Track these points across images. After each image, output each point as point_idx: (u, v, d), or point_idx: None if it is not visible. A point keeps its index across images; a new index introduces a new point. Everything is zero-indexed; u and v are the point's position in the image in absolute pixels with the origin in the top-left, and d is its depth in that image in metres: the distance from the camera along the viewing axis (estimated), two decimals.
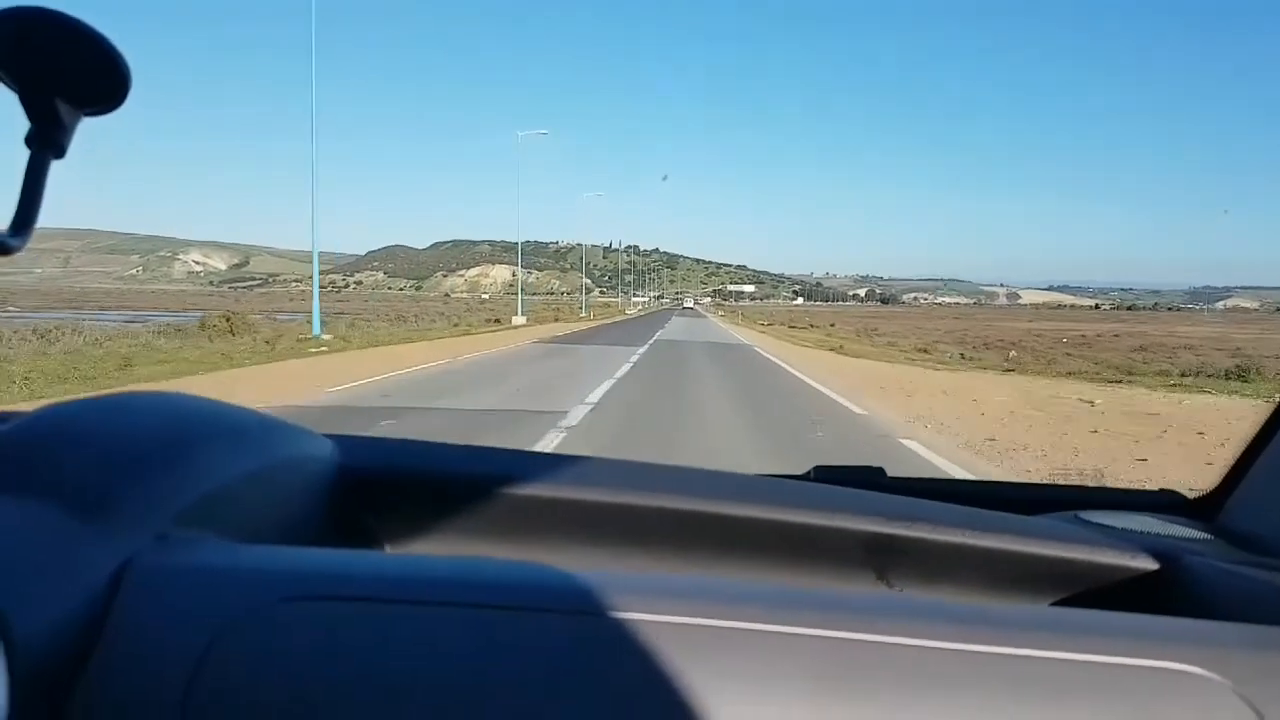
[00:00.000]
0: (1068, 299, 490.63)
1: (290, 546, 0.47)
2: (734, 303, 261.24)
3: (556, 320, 46.83)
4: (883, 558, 0.62)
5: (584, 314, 60.96)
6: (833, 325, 45.93)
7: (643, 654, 0.37)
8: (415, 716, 0.36)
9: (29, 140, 0.44)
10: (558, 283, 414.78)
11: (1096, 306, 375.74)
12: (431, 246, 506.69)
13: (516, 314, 46.08)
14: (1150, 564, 0.60)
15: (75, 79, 0.44)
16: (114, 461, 0.45)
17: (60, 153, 0.45)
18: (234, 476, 0.51)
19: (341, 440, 0.68)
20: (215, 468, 0.50)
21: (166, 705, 0.36)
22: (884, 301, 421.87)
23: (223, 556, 0.43)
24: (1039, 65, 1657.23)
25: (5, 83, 0.43)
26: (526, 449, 0.65)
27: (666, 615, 0.39)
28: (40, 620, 0.35)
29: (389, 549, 0.65)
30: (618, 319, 53.22)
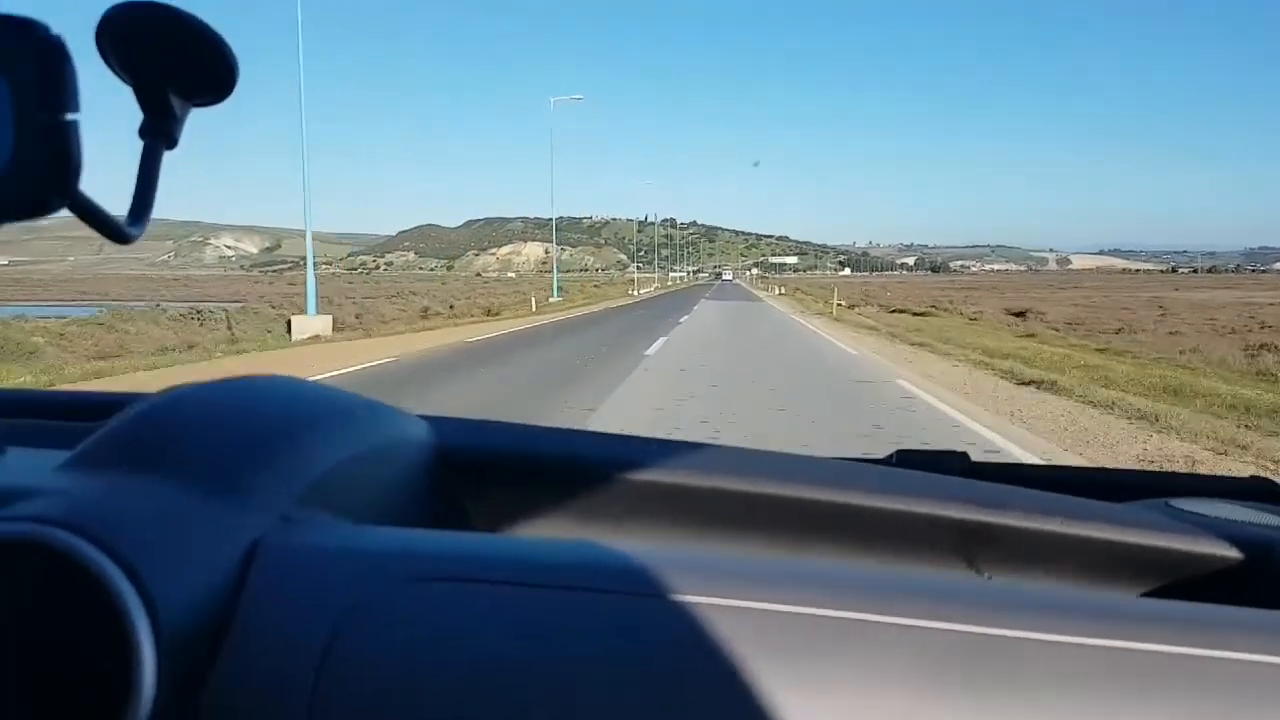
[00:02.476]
0: (1120, 262, 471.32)
1: (410, 529, 0.49)
2: (776, 274, 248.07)
3: (595, 301, 39.92)
4: (972, 545, 0.62)
5: (634, 292, 59.21)
6: (931, 309, 33.06)
7: (752, 642, 0.38)
8: (550, 700, 0.37)
9: (142, 132, 0.46)
10: (592, 259, 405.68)
11: (1173, 269, 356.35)
12: (464, 225, 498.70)
13: (552, 293, 37.94)
14: (1243, 554, 0.60)
15: (185, 72, 0.46)
16: (239, 441, 0.48)
17: (172, 143, 0.47)
18: (345, 458, 0.53)
19: (437, 422, 0.70)
20: (329, 449, 0.53)
21: (302, 681, 0.37)
22: (934, 270, 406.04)
23: (348, 537, 0.45)
24: (1087, 20, 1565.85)
25: (119, 76, 0.45)
26: (618, 434, 0.69)
27: (769, 603, 0.39)
28: (182, 596, 0.37)
29: (484, 529, 0.67)
30: (622, 302, 41.71)
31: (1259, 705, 0.35)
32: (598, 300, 41.93)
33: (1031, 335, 18.17)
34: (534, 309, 28.98)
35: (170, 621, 0.36)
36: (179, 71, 0.46)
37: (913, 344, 15.27)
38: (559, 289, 41.14)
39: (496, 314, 27.29)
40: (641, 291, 61.23)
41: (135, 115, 0.46)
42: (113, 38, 0.44)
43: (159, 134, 0.46)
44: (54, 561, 0.35)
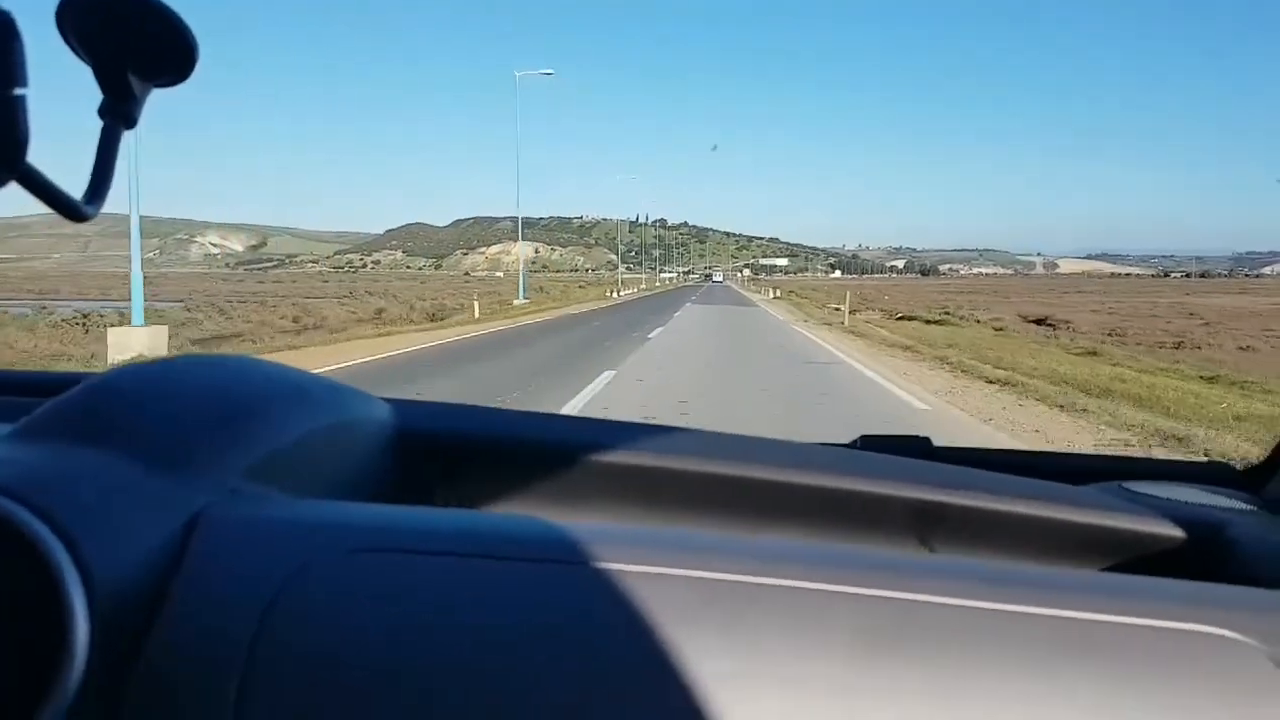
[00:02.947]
0: (1107, 267, 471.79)
1: (353, 502, 0.50)
2: (766, 276, 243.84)
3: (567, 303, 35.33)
4: (926, 525, 0.62)
5: (615, 294, 53.88)
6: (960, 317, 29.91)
7: (689, 609, 0.38)
8: (483, 667, 0.37)
9: (101, 111, 0.46)
10: (582, 259, 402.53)
11: (1166, 275, 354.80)
12: (452, 224, 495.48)
13: (519, 295, 33.30)
14: (1194, 534, 0.61)
15: (146, 53, 0.46)
16: (189, 417, 0.48)
17: (131, 123, 0.47)
18: (300, 435, 0.54)
19: (400, 405, 0.70)
20: (282, 426, 0.53)
21: (236, 649, 0.37)
22: (923, 274, 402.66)
23: (291, 510, 0.45)
24: (1071, 25, 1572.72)
25: (79, 56, 0.45)
26: (580, 416, 0.63)
27: (709, 572, 0.40)
28: (118, 564, 0.38)
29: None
30: (604, 303, 37.73)
31: (1193, 671, 0.37)
32: (568, 303, 36.00)
33: (1093, 354, 14.77)
34: (476, 315, 23.61)
35: (105, 589, 0.36)
36: (139, 52, 0.46)
37: (990, 381, 9.84)
38: (527, 291, 36.31)
39: (442, 320, 23.53)
40: (623, 293, 55.64)
41: (95, 95, 0.45)
42: (73, 17, 0.44)
43: (118, 114, 0.46)
44: None
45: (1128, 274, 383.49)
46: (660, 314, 25.06)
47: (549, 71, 39.03)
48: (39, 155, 0.39)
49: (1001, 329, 22.84)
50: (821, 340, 15.93)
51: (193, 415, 0.49)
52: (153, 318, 15.31)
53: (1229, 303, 46.48)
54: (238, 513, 0.43)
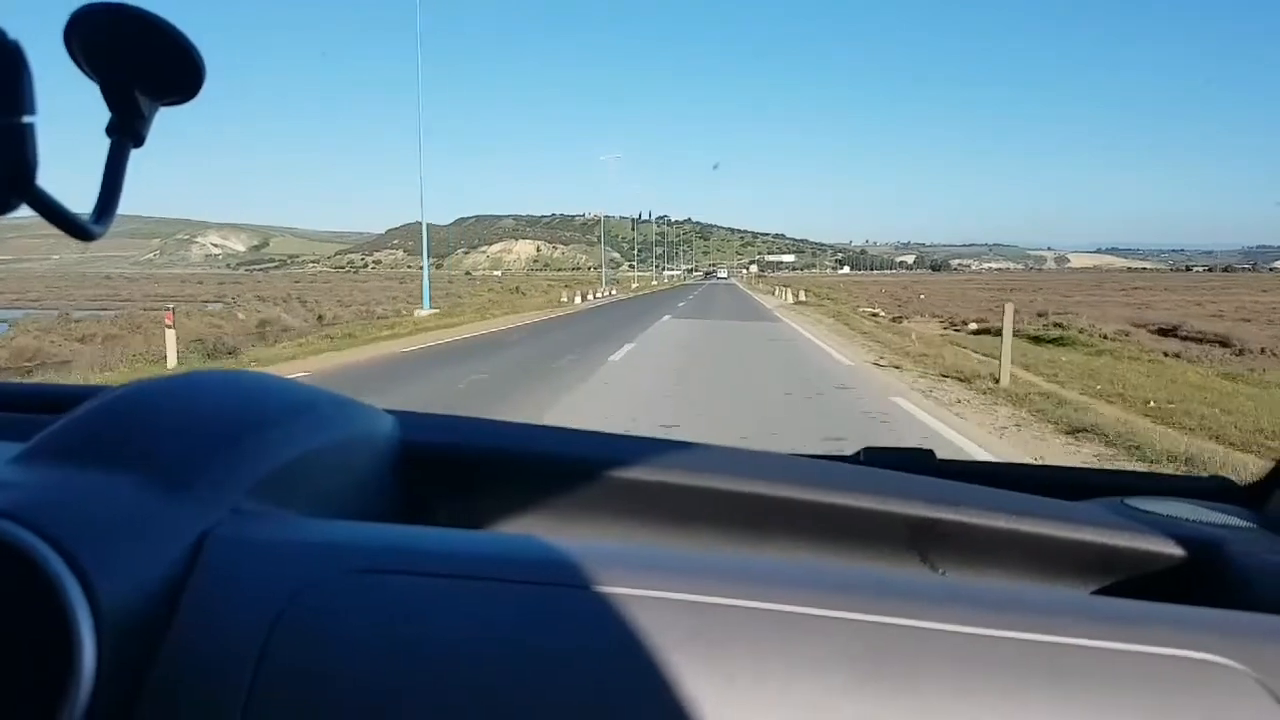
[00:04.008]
0: (1118, 261, 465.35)
1: (359, 522, 0.50)
2: (772, 273, 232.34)
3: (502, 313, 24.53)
4: (927, 542, 0.62)
5: (589, 296, 41.65)
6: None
7: (693, 634, 0.38)
8: (480, 688, 0.37)
9: (109, 130, 0.46)
10: (584, 257, 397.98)
11: (1187, 269, 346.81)
12: (454, 222, 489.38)
13: (423, 304, 24.56)
14: (1193, 552, 0.61)
15: (153, 72, 0.47)
16: (193, 436, 0.49)
17: (139, 141, 0.47)
18: (303, 452, 0.54)
19: (405, 417, 0.70)
20: (287, 443, 0.53)
21: (242, 669, 0.38)
22: (934, 269, 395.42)
23: (295, 530, 0.45)
24: (1080, 19, 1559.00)
25: (87, 75, 0.46)
26: (584, 430, 0.71)
27: (709, 596, 0.40)
28: (124, 585, 0.38)
29: (450, 526, 0.67)
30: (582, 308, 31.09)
31: (1187, 698, 0.37)
32: (497, 314, 25.12)
33: None
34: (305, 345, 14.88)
35: (112, 611, 0.37)
36: (146, 72, 0.46)
37: None
38: (434, 300, 26.26)
39: (270, 339, 16.76)
40: (595, 296, 44.43)
41: (104, 113, 0.47)
42: (81, 38, 0.45)
43: (126, 132, 0.47)
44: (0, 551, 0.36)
45: (1144, 268, 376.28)
46: (609, 340, 14.76)
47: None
48: (45, 175, 0.40)
49: (1137, 353, 15.00)
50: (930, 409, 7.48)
51: (198, 434, 0.49)
52: None
53: (1250, 299, 41.25)
54: (243, 533, 0.44)
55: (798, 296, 39.06)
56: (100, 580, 0.37)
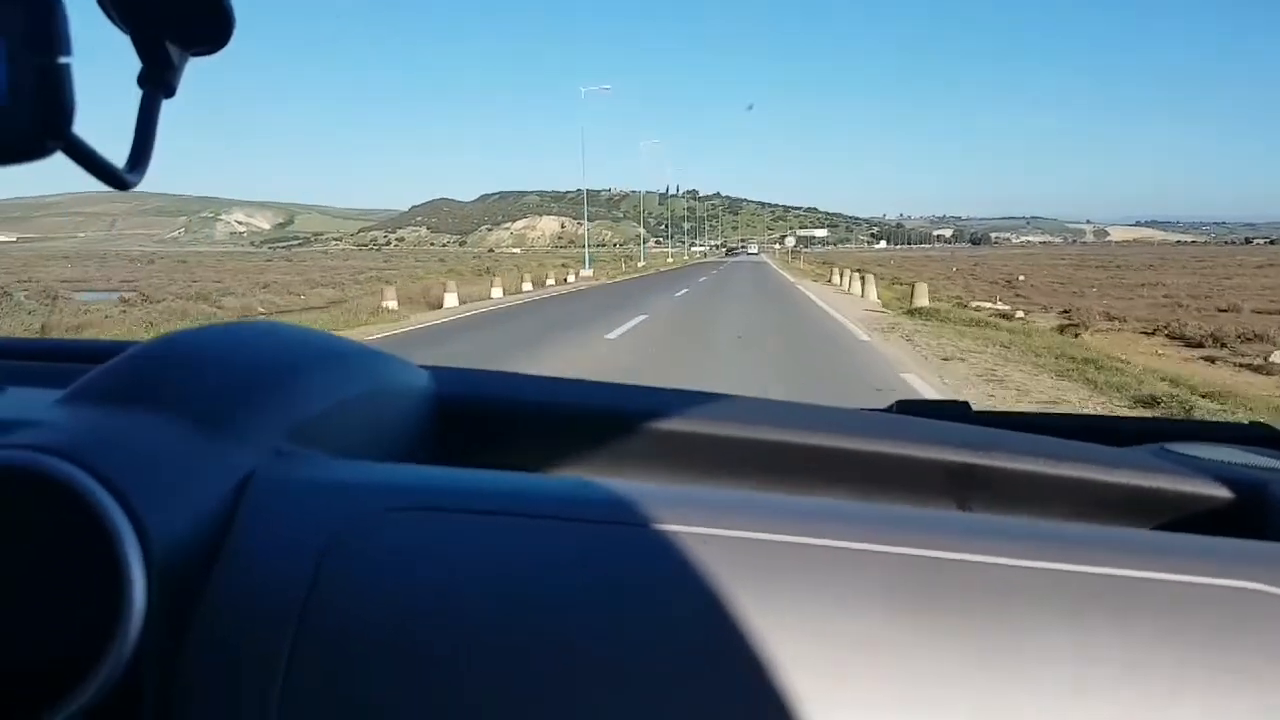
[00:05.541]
0: (1159, 234, 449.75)
1: (395, 464, 0.50)
2: (805, 249, 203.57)
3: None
4: (964, 487, 0.62)
5: (565, 279, 33.20)
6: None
7: (727, 569, 0.38)
8: (525, 626, 0.38)
9: (141, 80, 0.46)
10: (610, 233, 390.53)
11: (1248, 241, 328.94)
12: (478, 199, 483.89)
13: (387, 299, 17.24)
14: (1236, 494, 0.60)
15: (183, 22, 0.47)
16: (238, 380, 0.50)
17: (170, 92, 0.48)
18: (341, 399, 0.55)
19: (439, 372, 0.70)
20: (326, 389, 0.54)
21: (289, 607, 0.38)
22: (974, 242, 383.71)
23: (335, 471, 0.46)
24: None
25: (117, 25, 0.46)
26: (616, 383, 0.71)
27: (749, 532, 0.40)
28: (173, 522, 0.38)
29: None
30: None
31: (1236, 628, 0.37)
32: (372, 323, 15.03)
33: None
34: None
35: (161, 547, 0.37)
36: (176, 21, 0.47)
37: None
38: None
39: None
40: (576, 277, 34.73)
41: (135, 64, 0.46)
42: None
43: (157, 83, 0.47)
44: (49, 488, 0.36)
45: (1191, 241, 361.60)
46: None
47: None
48: (81, 127, 0.38)
49: None
50: None
51: (241, 379, 0.50)
52: None
53: None
54: (285, 473, 0.44)
55: (846, 280, 26.81)
56: (150, 518, 0.37)
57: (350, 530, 0.41)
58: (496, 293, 22.68)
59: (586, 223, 60.48)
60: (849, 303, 18.69)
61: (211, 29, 0.48)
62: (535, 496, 0.44)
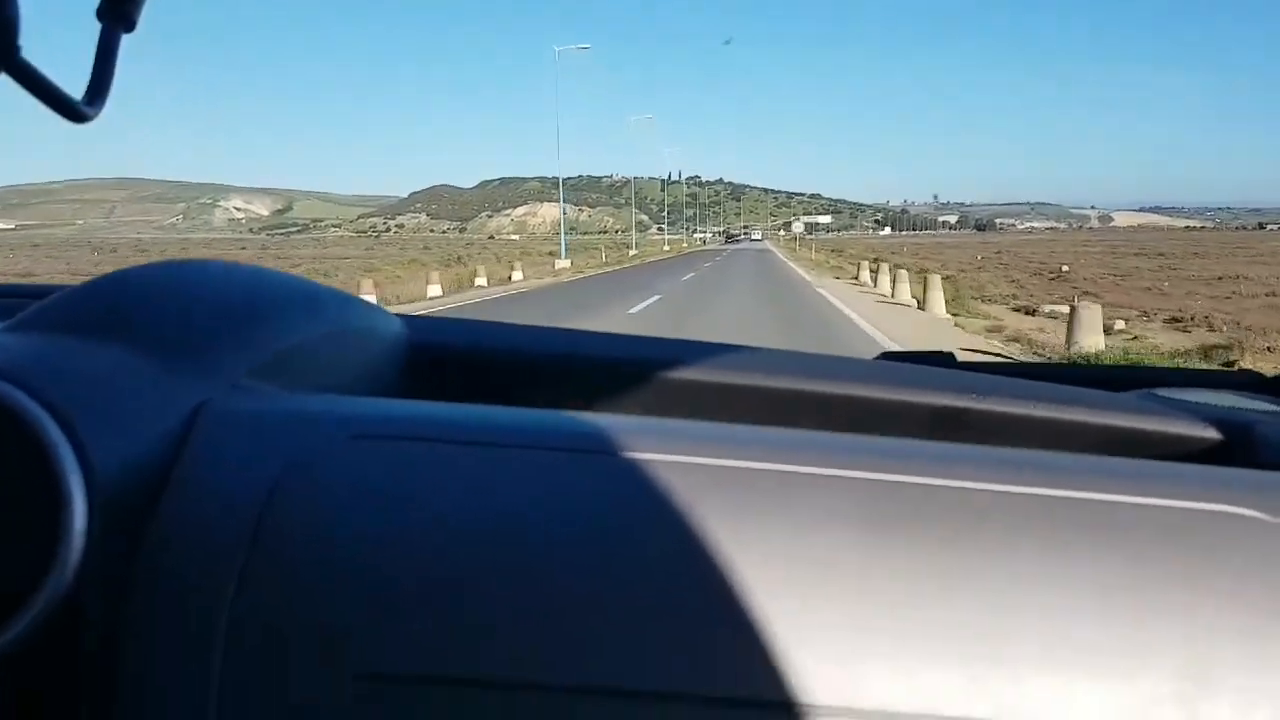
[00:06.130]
0: (1162, 220, 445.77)
1: (355, 397, 0.49)
2: (810, 235, 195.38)
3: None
4: (951, 430, 0.62)
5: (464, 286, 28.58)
6: None
7: (696, 494, 0.38)
8: (490, 556, 0.37)
9: (99, 13, 0.46)
10: (611, 220, 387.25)
11: (1261, 226, 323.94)
12: (479, 185, 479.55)
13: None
14: (1223, 434, 0.61)
15: None
16: (194, 313, 0.48)
17: (130, 26, 0.46)
18: (308, 338, 0.54)
19: (414, 320, 0.69)
20: (291, 327, 0.53)
21: (238, 535, 0.37)
22: (979, 229, 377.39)
23: (294, 402, 0.45)
24: None
25: None
26: (597, 331, 0.67)
27: (720, 459, 0.40)
28: (117, 450, 0.38)
29: None
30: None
31: (1216, 551, 0.37)
32: None
33: None
34: None
35: (104, 474, 0.36)
36: None
37: None
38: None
39: None
40: (511, 277, 26.22)
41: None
42: None
43: (117, 16, 0.46)
44: None
45: (1202, 227, 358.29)
46: None
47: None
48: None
49: None
50: None
51: (201, 312, 0.49)
52: None
53: None
54: (240, 405, 0.43)
55: (870, 273, 22.17)
56: (94, 444, 0.37)
57: (309, 458, 0.40)
58: (434, 290, 19.51)
59: (563, 206, 53.65)
60: (901, 319, 13.55)
61: None
62: (506, 427, 0.43)
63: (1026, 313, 15.27)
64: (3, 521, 0.35)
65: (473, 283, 22.65)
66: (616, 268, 35.55)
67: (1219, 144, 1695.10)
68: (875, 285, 20.04)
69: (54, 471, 0.35)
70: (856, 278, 23.52)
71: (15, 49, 0.37)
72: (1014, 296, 18.91)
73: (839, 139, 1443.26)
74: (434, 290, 19.35)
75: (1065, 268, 29.79)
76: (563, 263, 34.30)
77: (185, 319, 0.48)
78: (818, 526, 0.37)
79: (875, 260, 24.91)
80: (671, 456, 0.40)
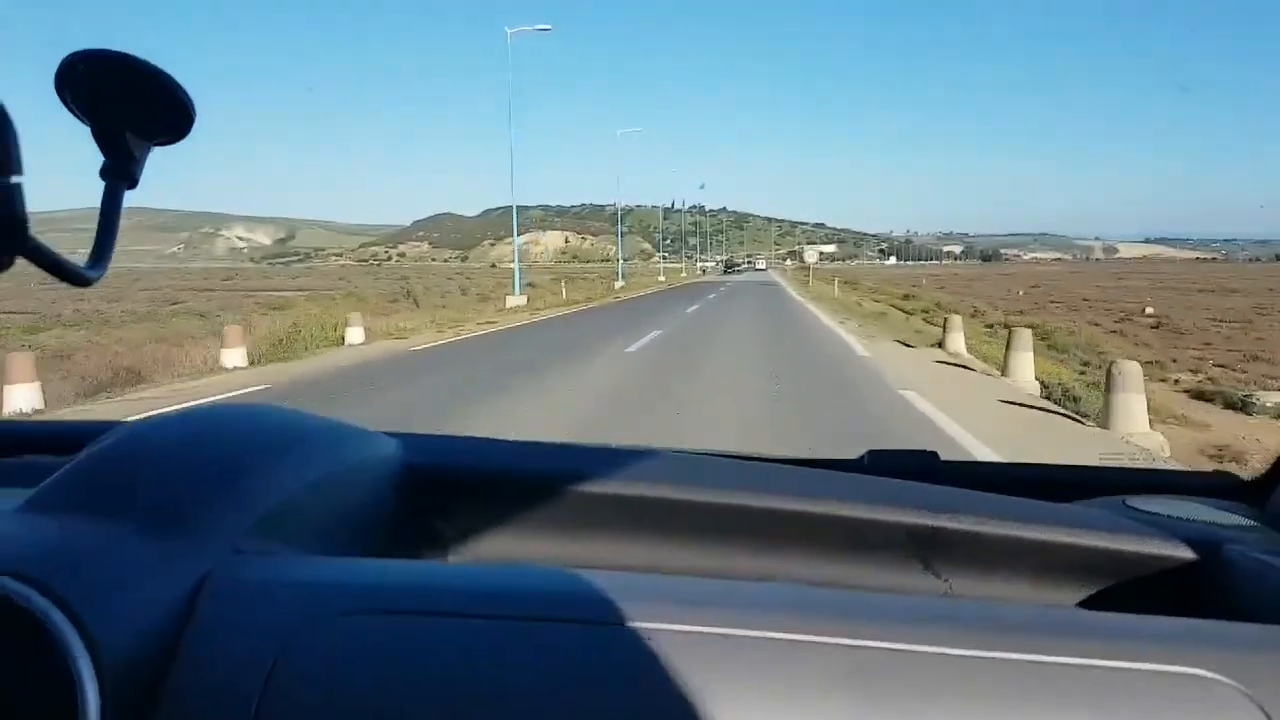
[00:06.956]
0: (1167, 251, 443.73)
1: (352, 559, 0.51)
2: (819, 264, 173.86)
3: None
4: (930, 550, 0.63)
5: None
6: None
7: (687, 664, 0.39)
8: None
9: (103, 173, 0.47)
10: (613, 249, 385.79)
11: (1278, 257, 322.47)
12: (481, 214, 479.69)
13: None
14: (1192, 554, 0.61)
15: (143, 115, 0.48)
16: (194, 478, 0.50)
17: (133, 184, 0.48)
18: (303, 486, 0.55)
19: (405, 439, 0.72)
20: (288, 477, 0.54)
21: (240, 711, 0.39)
22: (984, 259, 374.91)
23: (289, 570, 0.47)
24: (1124, 6, 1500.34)
25: (79, 118, 0.47)
26: (583, 443, 0.68)
27: (698, 625, 0.41)
28: (125, 635, 0.40)
29: (453, 546, 0.68)
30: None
31: (1173, 714, 0.38)
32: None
33: None
34: None
35: (113, 661, 0.39)
36: (137, 115, 0.47)
37: None
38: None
39: None
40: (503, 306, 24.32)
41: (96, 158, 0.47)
42: (71, 85, 0.46)
43: (120, 175, 0.48)
44: (4, 609, 0.38)
45: (1213, 258, 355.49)
46: None
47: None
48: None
49: None
50: None
51: (196, 475, 0.50)
52: None
53: None
54: (239, 575, 0.45)
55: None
56: (100, 630, 0.39)
57: (302, 634, 0.42)
58: (235, 359, 11.69)
59: (516, 236, 39.90)
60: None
61: (171, 120, 0.48)
62: (489, 594, 0.44)
63: (1226, 405, 9.31)
64: (23, 712, 0.37)
65: (343, 340, 14.82)
66: (583, 307, 27.26)
67: (1223, 176, 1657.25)
68: (952, 350, 11.60)
69: (67, 664, 0.38)
70: (942, 344, 12.29)
71: (28, 239, 0.40)
72: (1157, 365, 12.58)
73: (843, 168, 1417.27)
74: (234, 359, 11.82)
75: (1149, 309, 24.14)
76: (516, 299, 27.09)
77: (184, 487, 0.49)
78: (789, 696, 0.39)
79: (934, 305, 16.23)
80: (662, 625, 0.41)
